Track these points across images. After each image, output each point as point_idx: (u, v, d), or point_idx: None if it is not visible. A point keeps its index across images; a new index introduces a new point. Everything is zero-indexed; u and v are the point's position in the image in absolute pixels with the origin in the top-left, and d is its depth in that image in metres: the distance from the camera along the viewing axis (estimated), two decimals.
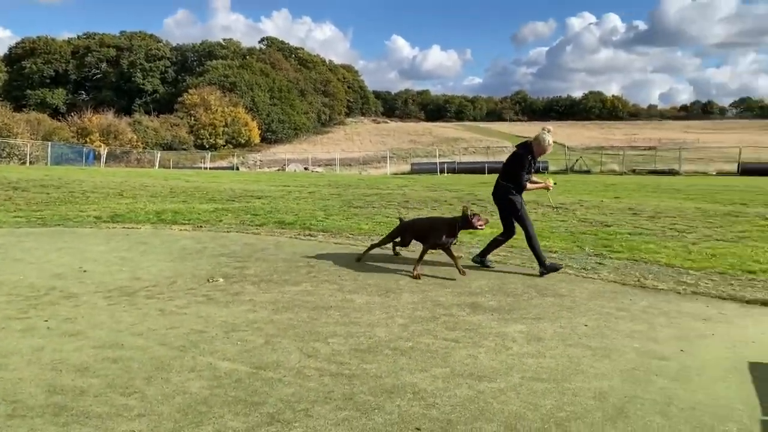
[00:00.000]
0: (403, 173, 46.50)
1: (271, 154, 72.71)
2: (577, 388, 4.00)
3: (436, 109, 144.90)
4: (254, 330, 5.10)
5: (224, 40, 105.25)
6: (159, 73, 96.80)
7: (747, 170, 40.22)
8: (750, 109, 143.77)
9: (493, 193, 7.40)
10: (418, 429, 3.41)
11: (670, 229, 10.70)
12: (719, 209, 13.81)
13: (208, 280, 6.73)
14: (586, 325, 5.39)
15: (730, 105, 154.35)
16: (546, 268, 7.07)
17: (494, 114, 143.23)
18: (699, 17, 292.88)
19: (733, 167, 43.08)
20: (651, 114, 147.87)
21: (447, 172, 44.41)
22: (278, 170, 49.68)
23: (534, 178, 7.35)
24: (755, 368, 4.42)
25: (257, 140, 79.76)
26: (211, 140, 73.58)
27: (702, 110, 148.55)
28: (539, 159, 7.34)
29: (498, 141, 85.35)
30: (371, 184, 22.18)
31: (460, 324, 5.37)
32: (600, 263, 7.73)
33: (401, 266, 7.53)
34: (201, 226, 10.28)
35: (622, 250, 8.49)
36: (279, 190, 16.96)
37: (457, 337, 5.03)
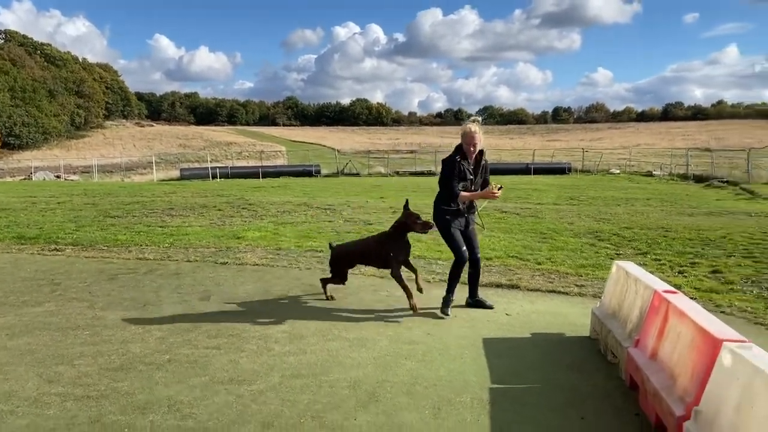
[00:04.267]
0: (172, 179, 44.22)
1: (15, 161, 64.04)
2: (333, 380, 4.18)
3: (206, 113, 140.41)
4: None
5: None
6: None
7: (490, 170, 45.37)
8: (492, 116, 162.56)
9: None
10: None
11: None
12: None
13: None
14: (345, 319, 5.65)
15: (476, 113, 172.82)
16: (444, 310, 5.84)
17: (267, 118, 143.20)
18: (449, 32, 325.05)
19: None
20: (411, 120, 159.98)
21: (220, 177, 43.22)
22: (24, 179, 44.02)
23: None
24: (487, 343, 5.02)
25: None
26: None
27: (454, 117, 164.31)
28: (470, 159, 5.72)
29: (272, 145, 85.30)
30: (133, 192, 20.75)
31: (222, 331, 5.28)
32: None
33: (160, 279, 7.17)
34: None
35: None
36: (21, 201, 15.04)
37: (219, 344, 4.94)
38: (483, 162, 5.78)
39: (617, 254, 8.99)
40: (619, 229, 11.15)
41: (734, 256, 8.62)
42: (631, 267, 4.89)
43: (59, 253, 8.46)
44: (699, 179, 31.72)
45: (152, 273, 7.34)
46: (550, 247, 9.35)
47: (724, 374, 2.91)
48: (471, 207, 5.86)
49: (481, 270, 6.10)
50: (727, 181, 28.14)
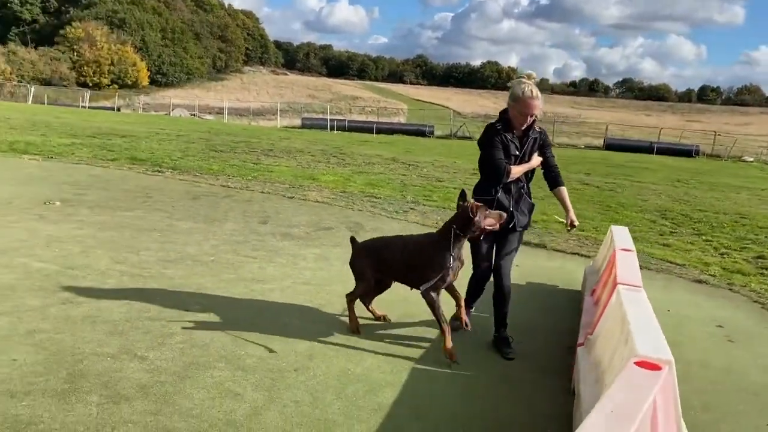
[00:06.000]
0: (294, 127, 46.62)
1: (160, 97, 69.75)
2: (332, 290, 5.04)
3: (338, 66, 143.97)
4: (75, 242, 5.77)
5: None
6: (39, 2, 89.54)
7: (611, 145, 43.76)
8: (631, 90, 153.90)
9: None
10: (187, 310, 4.31)
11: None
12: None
13: (45, 203, 7.24)
14: None
15: (614, 84, 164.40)
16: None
17: (395, 75, 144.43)
18: None
19: (601, 142, 46.64)
20: (543, 88, 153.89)
21: (336, 129, 45.02)
22: (165, 114, 48.23)
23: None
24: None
25: (146, 82, 76.10)
26: (95, 78, 69.52)
27: (589, 88, 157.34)
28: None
29: (395, 102, 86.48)
30: (251, 134, 22.54)
31: (265, 246, 6.30)
32: (413, 208, 8.91)
33: (233, 203, 8.34)
34: (52, 157, 10.58)
35: (438, 200, 9.73)
36: (148, 131, 17.10)
37: (257, 255, 5.95)
38: (535, 136, 4.21)
39: (671, 232, 9.10)
40: (690, 210, 11.06)
41: None
42: (617, 230, 5.31)
43: (159, 174, 9.95)
44: None
45: (229, 198, 8.54)
46: (605, 218, 9.59)
47: (610, 309, 3.45)
48: (519, 201, 4.23)
49: (508, 297, 4.30)
50: None
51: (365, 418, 3.09)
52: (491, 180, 4.17)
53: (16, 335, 3.64)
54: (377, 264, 4.22)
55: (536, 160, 4.26)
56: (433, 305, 3.90)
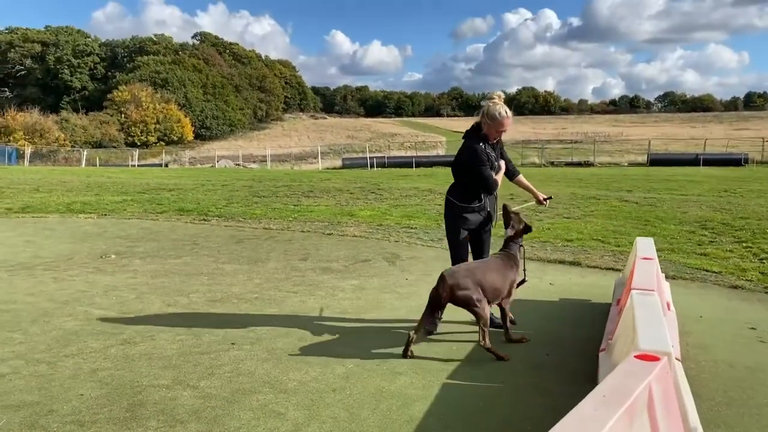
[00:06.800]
0: (335, 168, 47.55)
1: (205, 150, 72.34)
2: (367, 317, 5.31)
3: (375, 105, 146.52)
4: (130, 290, 6.22)
5: (155, 35, 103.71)
6: (88, 70, 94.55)
7: (655, 161, 43.09)
8: (673, 103, 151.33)
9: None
10: (233, 343, 4.64)
11: (532, 210, 12.27)
12: (588, 193, 15.61)
13: (101, 256, 7.78)
14: (407, 279, 6.74)
15: (655, 99, 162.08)
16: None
17: (432, 109, 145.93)
18: (630, 13, 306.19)
19: (645, 158, 45.96)
20: (582, 108, 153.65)
21: (377, 167, 45.70)
22: (210, 166, 49.92)
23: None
24: (518, 304, 5.82)
25: (191, 137, 79.10)
26: (142, 137, 72.68)
27: (629, 104, 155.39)
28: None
29: (433, 136, 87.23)
30: (293, 178, 23.18)
31: (306, 281, 6.63)
32: None
33: (275, 244, 8.73)
34: (105, 215, 11.28)
35: None
36: (194, 183, 17.90)
37: (298, 290, 6.28)
38: (499, 142, 4.98)
39: (710, 241, 9.06)
40: (732, 219, 10.94)
41: None
42: (641, 240, 5.44)
43: (206, 222, 10.49)
44: None
45: (271, 239, 8.95)
46: (642, 233, 9.60)
47: (625, 313, 3.62)
48: (491, 200, 5.02)
49: None
50: None
51: (397, 429, 3.32)
52: (481, 190, 4.86)
53: (82, 374, 4.02)
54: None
55: (503, 164, 5.00)
56: (506, 314, 4.74)
